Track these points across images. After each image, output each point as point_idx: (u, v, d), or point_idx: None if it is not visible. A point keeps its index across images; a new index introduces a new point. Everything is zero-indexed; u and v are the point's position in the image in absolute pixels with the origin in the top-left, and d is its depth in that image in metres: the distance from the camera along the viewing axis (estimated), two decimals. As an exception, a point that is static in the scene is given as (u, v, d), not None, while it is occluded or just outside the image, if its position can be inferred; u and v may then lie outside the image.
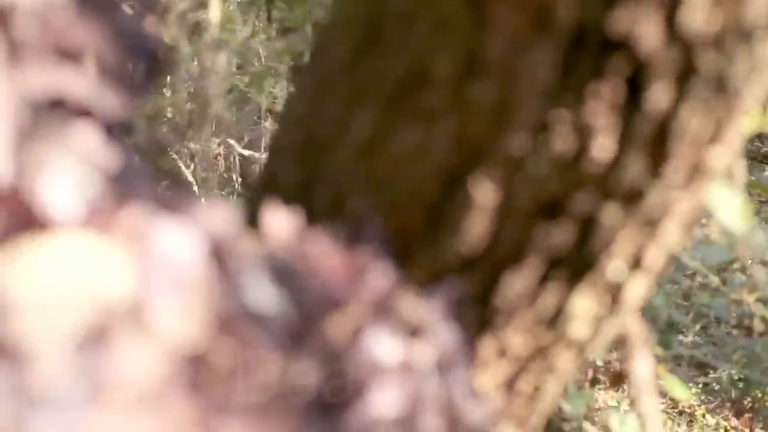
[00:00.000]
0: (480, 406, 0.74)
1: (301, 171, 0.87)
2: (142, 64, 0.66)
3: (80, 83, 0.57)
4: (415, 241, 0.78)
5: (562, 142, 0.71)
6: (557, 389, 0.93)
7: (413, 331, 0.70)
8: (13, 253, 0.49)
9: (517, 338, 0.84)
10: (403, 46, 0.73)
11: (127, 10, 0.67)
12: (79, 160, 0.53)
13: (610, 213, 0.76)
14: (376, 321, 0.65)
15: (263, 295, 0.53)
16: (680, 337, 4.61)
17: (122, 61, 0.62)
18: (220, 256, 0.52)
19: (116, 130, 0.59)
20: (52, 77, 0.57)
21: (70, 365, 0.47)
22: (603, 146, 0.72)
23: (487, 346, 0.83)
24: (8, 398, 0.45)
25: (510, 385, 0.88)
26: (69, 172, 0.52)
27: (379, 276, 0.67)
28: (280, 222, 0.63)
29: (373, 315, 0.65)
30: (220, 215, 0.53)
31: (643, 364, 1.02)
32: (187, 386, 0.49)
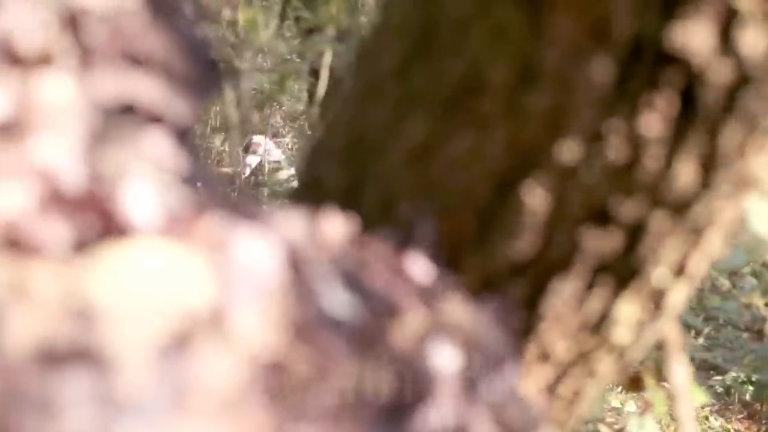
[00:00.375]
0: (530, 412, 0.75)
1: (347, 175, 0.87)
2: (204, 70, 0.66)
3: (150, 89, 0.57)
4: (465, 246, 0.78)
5: (615, 151, 0.71)
6: (595, 393, 0.94)
7: (467, 337, 0.70)
8: (94, 259, 0.49)
9: (560, 343, 0.84)
10: (458, 53, 0.73)
11: (188, 15, 0.67)
12: (157, 167, 0.54)
13: (659, 221, 0.76)
14: (435, 328, 0.65)
15: (337, 301, 0.53)
16: (691, 339, 4.60)
17: (188, 67, 0.62)
18: (296, 263, 0.52)
19: (185, 137, 0.59)
20: (122, 83, 0.57)
21: (153, 372, 0.47)
22: (655, 156, 0.72)
23: (531, 351, 0.83)
24: (93, 405, 0.46)
25: (551, 389, 0.88)
26: (149, 179, 0.52)
27: (437, 282, 0.67)
28: (337, 227, 0.63)
29: (433, 321, 0.65)
30: (295, 223, 0.53)
31: (679, 371, 1.02)
32: (265, 393, 0.49)
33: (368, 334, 0.56)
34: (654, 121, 0.70)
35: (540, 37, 0.69)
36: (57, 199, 0.51)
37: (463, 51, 0.73)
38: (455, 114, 0.75)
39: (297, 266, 0.52)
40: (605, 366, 0.89)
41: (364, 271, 0.61)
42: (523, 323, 0.81)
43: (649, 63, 0.68)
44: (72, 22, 0.56)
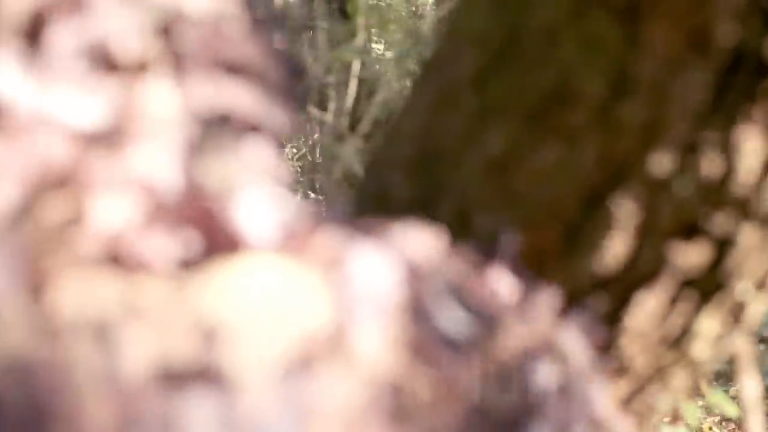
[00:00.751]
0: (619, 426, 0.72)
1: (417, 185, 0.84)
2: (293, 78, 0.64)
3: (247, 98, 0.55)
4: (548, 260, 0.76)
5: (709, 163, 0.69)
6: (667, 407, 0.91)
7: (561, 353, 0.68)
8: (207, 276, 0.47)
9: (639, 358, 0.81)
10: (546, 63, 0.71)
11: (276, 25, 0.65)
12: (265, 179, 0.51)
13: (748, 234, 0.74)
14: (535, 343, 0.62)
15: (455, 320, 0.51)
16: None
17: (283, 77, 0.59)
18: (415, 280, 0.50)
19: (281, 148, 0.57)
20: (219, 91, 0.55)
21: (276, 394, 0.45)
22: (750, 169, 0.69)
23: (611, 365, 0.81)
24: (217, 427, 0.43)
25: (626, 403, 0.86)
26: (261, 192, 0.50)
27: (527, 296, 0.65)
28: (428, 242, 0.61)
29: (532, 337, 0.63)
30: (414, 238, 0.50)
31: (750, 384, 0.99)
32: (386, 415, 0.47)
33: (479, 351, 0.54)
34: (751, 133, 0.68)
35: (636, 47, 0.67)
36: (161, 213, 0.49)
37: (551, 61, 0.71)
38: (541, 125, 0.73)
39: (416, 283, 0.50)
40: (680, 380, 0.87)
41: (466, 286, 0.59)
42: (605, 337, 0.78)
43: (748, 74, 0.66)
44: (168, 28, 0.54)
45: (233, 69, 0.56)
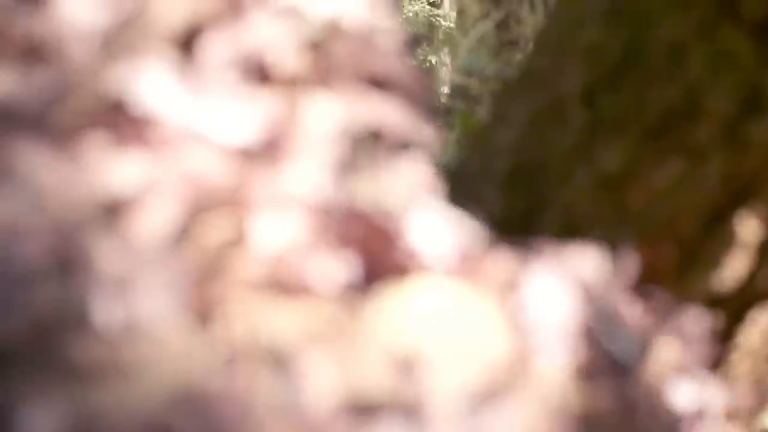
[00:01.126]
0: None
1: (514, 199, 0.82)
2: (431, 93, 0.61)
3: (398, 114, 0.53)
4: (662, 277, 0.73)
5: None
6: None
7: (696, 372, 0.65)
8: (385, 300, 0.44)
9: (746, 376, 0.79)
10: (670, 78, 0.68)
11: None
12: (436, 198, 0.49)
13: None
14: (679, 365, 0.60)
15: (623, 343, 0.49)
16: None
17: (426, 92, 0.57)
18: (588, 302, 0.47)
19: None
20: (370, 107, 0.52)
21: (464, 424, 0.42)
22: None
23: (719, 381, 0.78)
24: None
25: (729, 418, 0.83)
26: (436, 212, 0.47)
27: (668, 316, 0.62)
28: (597, 262, 0.58)
29: (674, 357, 0.60)
30: (587, 259, 0.48)
31: None
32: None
33: (640, 373, 0.52)
34: None
35: (769, 64, 0.64)
36: (325, 233, 0.46)
37: (676, 77, 0.68)
38: (662, 142, 0.70)
39: (587, 305, 0.47)
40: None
41: (623, 306, 0.57)
42: (717, 354, 0.76)
43: None
44: (323, 41, 0.51)
45: (381, 84, 0.54)
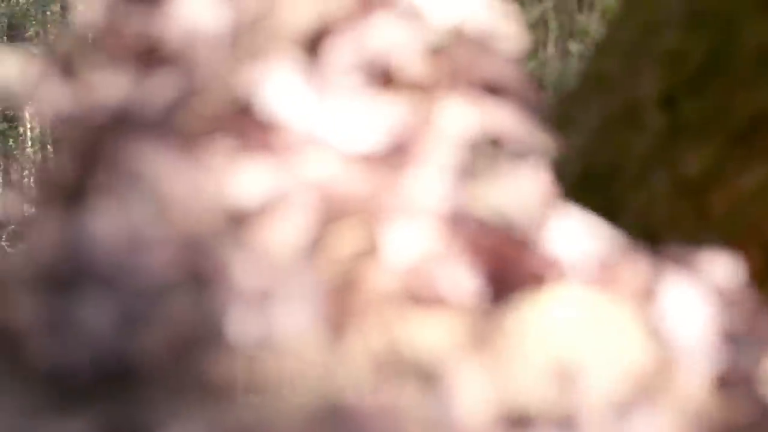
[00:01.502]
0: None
1: (586, 203, 0.79)
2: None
3: (515, 121, 0.50)
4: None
5: None
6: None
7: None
8: (526, 310, 0.42)
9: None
10: (757, 83, 0.66)
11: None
12: (568, 207, 0.47)
13: None
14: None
15: (752, 350, 0.46)
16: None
17: (539, 100, 0.55)
18: (725, 310, 0.45)
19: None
20: (488, 113, 0.50)
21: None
22: None
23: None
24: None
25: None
26: (573, 220, 0.45)
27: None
28: (730, 269, 0.55)
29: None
30: (719, 265, 0.46)
31: None
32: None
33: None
34: None
35: None
36: (457, 242, 0.44)
37: (763, 81, 0.66)
38: (748, 146, 0.68)
39: (722, 313, 0.45)
40: None
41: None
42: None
43: None
44: (445, 46, 0.49)
45: (497, 90, 0.51)
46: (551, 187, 0.48)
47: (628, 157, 0.77)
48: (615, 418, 0.40)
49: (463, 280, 0.43)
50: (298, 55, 0.45)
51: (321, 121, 0.45)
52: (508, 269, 0.44)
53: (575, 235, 0.44)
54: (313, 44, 0.45)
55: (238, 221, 0.42)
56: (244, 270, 0.40)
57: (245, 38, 0.44)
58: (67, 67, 0.45)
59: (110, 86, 0.45)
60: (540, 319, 0.41)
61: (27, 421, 0.40)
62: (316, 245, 0.42)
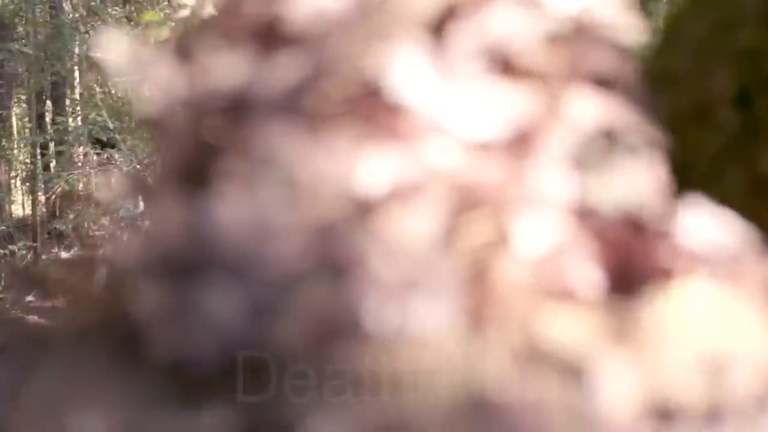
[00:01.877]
0: None
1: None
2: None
3: (626, 113, 0.49)
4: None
5: None
6: None
7: None
8: (658, 305, 0.40)
9: None
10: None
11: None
12: (701, 201, 0.45)
13: None
14: None
15: None
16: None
17: (642, 89, 0.53)
18: None
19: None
20: (599, 106, 0.48)
21: (754, 426, 0.38)
22: None
23: None
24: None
25: None
26: (705, 213, 0.43)
27: None
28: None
29: None
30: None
31: None
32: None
33: None
34: None
35: None
36: (584, 234, 0.43)
37: None
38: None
39: None
40: None
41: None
42: None
43: None
44: (565, 36, 0.48)
45: (610, 82, 0.50)
46: (668, 180, 0.47)
47: (699, 155, 0.75)
48: (757, 412, 0.38)
49: (590, 273, 0.41)
50: (424, 39, 0.43)
51: (445, 107, 0.43)
52: (634, 262, 0.42)
53: (709, 229, 0.42)
54: (438, 28, 0.43)
55: (367, 209, 0.41)
56: (380, 260, 0.39)
57: (372, 19, 0.42)
58: (182, 49, 0.44)
59: (228, 69, 0.44)
60: (677, 312, 0.40)
61: (145, 412, 0.38)
62: (449, 236, 0.41)
